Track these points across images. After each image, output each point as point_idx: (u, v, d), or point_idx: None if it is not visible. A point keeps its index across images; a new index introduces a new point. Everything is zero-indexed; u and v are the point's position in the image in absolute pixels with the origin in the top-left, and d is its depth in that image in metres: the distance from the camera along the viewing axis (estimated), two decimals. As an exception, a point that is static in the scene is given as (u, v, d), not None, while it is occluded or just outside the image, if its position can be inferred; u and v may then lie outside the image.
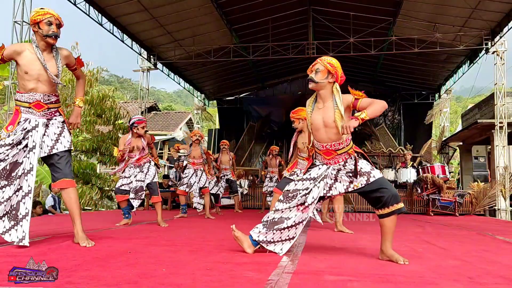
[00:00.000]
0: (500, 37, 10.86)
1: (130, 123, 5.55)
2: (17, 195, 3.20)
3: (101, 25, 10.52)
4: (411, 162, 11.36)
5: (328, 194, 3.16)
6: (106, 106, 12.36)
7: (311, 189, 3.11)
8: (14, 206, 3.19)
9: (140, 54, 12.76)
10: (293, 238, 3.15)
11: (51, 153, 3.30)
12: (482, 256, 3.34)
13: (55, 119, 3.40)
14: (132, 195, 5.52)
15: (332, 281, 2.27)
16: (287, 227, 3.11)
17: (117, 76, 49.97)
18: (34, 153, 3.25)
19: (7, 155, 3.21)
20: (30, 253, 2.83)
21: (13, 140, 3.22)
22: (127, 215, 5.59)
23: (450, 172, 12.12)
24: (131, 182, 5.56)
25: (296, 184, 3.20)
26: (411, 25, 11.35)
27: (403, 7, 10.49)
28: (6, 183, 3.22)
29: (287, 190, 3.21)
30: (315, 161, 3.23)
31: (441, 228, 6.33)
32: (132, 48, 12.14)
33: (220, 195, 8.99)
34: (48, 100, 3.34)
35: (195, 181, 7.23)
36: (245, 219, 7.20)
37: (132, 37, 11.84)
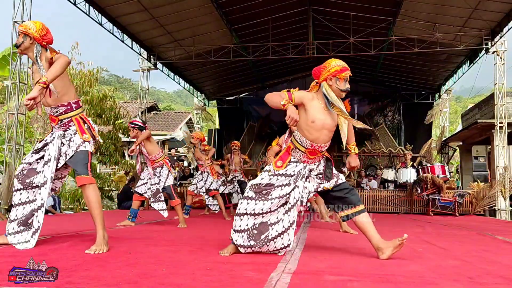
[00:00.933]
0: (500, 37, 10.86)
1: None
2: (30, 206, 3.21)
3: (101, 25, 10.52)
4: (411, 162, 11.36)
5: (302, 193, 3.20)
6: (106, 106, 12.34)
7: (291, 189, 3.08)
8: (27, 214, 3.20)
9: (140, 54, 12.75)
10: (288, 246, 3.06)
11: (66, 159, 3.28)
12: (482, 256, 3.35)
13: (70, 129, 3.33)
14: (152, 199, 5.60)
15: (332, 281, 2.27)
16: (278, 235, 3.01)
17: (117, 76, 49.94)
18: (49, 166, 3.22)
19: (30, 162, 3.28)
20: (30, 253, 2.84)
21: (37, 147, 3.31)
22: (132, 218, 5.56)
23: (450, 172, 12.12)
24: (146, 183, 5.64)
25: (270, 179, 3.12)
26: (411, 25, 11.35)
27: (403, 7, 10.49)
28: (21, 187, 3.25)
29: (258, 184, 3.11)
30: (291, 158, 3.18)
31: (441, 228, 6.33)
32: (132, 48, 12.14)
33: (233, 197, 9.01)
34: (57, 112, 3.30)
35: (200, 182, 7.34)
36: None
37: (132, 37, 11.84)
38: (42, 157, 3.29)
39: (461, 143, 14.88)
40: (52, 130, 3.39)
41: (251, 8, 11.31)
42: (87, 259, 2.73)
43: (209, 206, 8.08)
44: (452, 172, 16.42)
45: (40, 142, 3.37)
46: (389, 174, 11.65)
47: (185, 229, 5.29)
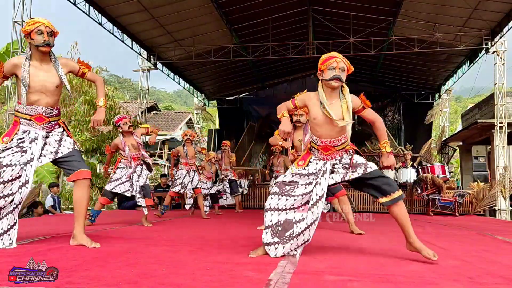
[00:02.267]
0: (500, 37, 10.86)
1: (116, 125, 5.58)
2: (6, 200, 3.16)
3: (101, 25, 10.52)
4: (411, 162, 11.36)
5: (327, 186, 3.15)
6: (106, 106, 12.34)
7: (313, 186, 3.08)
8: (4, 212, 3.19)
9: (140, 54, 12.76)
10: (308, 240, 3.09)
11: (56, 157, 3.30)
12: (482, 256, 3.34)
13: (55, 130, 3.39)
14: (138, 195, 5.51)
15: (332, 281, 2.27)
16: (302, 231, 3.02)
17: (117, 76, 49.97)
18: (31, 165, 3.23)
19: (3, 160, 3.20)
20: (30, 253, 2.84)
21: (5, 147, 3.22)
22: (93, 218, 5.42)
23: (450, 172, 12.12)
24: (124, 182, 5.50)
25: (293, 176, 3.16)
26: (411, 25, 11.35)
27: (403, 7, 10.50)
28: None
29: (282, 181, 3.16)
30: (311, 156, 3.22)
31: (441, 228, 6.33)
32: (132, 48, 12.15)
33: (224, 196, 8.98)
34: (50, 113, 3.33)
35: (188, 181, 7.18)
36: (244, 219, 7.21)
37: (132, 37, 11.84)
38: (19, 151, 3.23)
39: (461, 143, 14.88)
40: (24, 130, 3.28)
41: (251, 8, 11.32)
42: (87, 259, 2.73)
43: (191, 205, 7.98)
44: (452, 172, 16.43)
45: (11, 141, 3.25)
46: (389, 174, 11.62)
47: (185, 229, 5.29)
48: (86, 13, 9.98)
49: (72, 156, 3.34)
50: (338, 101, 3.07)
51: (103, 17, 10.46)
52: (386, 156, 3.21)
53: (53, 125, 3.37)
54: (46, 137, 3.33)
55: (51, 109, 3.32)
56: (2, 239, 3.12)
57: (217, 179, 8.78)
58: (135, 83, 41.85)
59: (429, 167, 10.38)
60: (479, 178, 12.74)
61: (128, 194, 5.52)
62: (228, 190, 8.96)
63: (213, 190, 8.36)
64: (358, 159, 3.13)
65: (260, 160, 17.31)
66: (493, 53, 11.30)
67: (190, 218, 7.30)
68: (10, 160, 3.19)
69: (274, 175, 9.14)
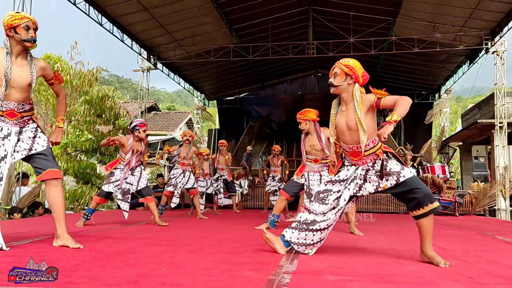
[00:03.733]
0: (500, 37, 10.85)
1: (132, 126, 5.44)
2: None
3: (101, 25, 10.52)
4: (411, 162, 11.36)
5: (358, 194, 3.13)
6: (106, 106, 12.35)
7: (342, 192, 3.12)
8: None
9: (140, 54, 12.75)
10: (322, 240, 3.16)
11: (30, 154, 3.23)
12: (482, 256, 3.35)
13: (28, 126, 3.32)
14: (120, 196, 5.40)
15: (332, 281, 2.27)
16: (319, 230, 3.11)
17: (117, 76, 50.02)
18: (5, 162, 3.15)
19: None
20: (30, 253, 2.84)
21: None
22: (87, 216, 5.33)
23: (450, 172, 12.11)
24: (119, 184, 5.44)
25: (326, 185, 3.21)
26: (411, 25, 11.35)
27: (403, 7, 10.49)
28: None
29: (318, 191, 3.22)
30: (344, 162, 3.24)
31: (441, 228, 6.33)
32: (132, 48, 12.14)
33: (217, 196, 8.98)
34: (22, 108, 3.24)
35: (181, 182, 7.15)
36: (243, 219, 7.21)
37: (132, 37, 11.84)
38: None
39: (461, 143, 14.88)
40: None
41: (251, 8, 11.32)
42: (87, 259, 2.73)
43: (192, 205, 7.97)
44: (452, 172, 16.43)
45: None
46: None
47: (185, 229, 5.29)
48: (86, 13, 9.98)
49: (45, 155, 3.26)
50: (353, 106, 3.06)
51: (103, 17, 10.46)
52: (387, 125, 2.77)
53: (26, 121, 3.30)
54: (20, 132, 3.26)
55: (23, 104, 3.24)
56: None
57: (211, 178, 8.76)
58: (135, 83, 41.90)
59: (429, 167, 10.39)
60: (479, 178, 12.74)
61: (119, 196, 5.46)
62: (221, 190, 8.95)
63: (210, 190, 8.35)
64: (391, 165, 3.00)
65: (260, 160, 17.30)
66: (493, 53, 11.29)
67: (189, 218, 7.31)
68: None
69: (271, 175, 9.17)
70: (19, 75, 3.15)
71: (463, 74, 13.76)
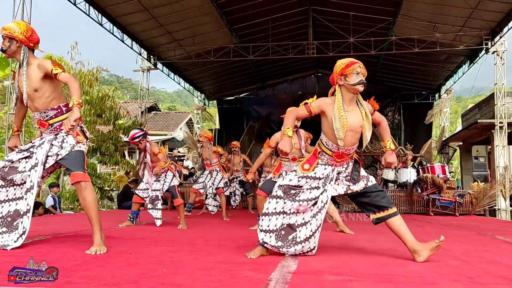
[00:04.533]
0: (500, 37, 10.86)
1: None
2: (16, 204, 3.13)
3: (101, 25, 10.52)
4: (411, 162, 11.36)
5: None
6: (106, 106, 12.34)
7: (320, 192, 3.06)
8: (12, 214, 3.12)
9: (140, 54, 12.75)
10: (314, 248, 3.07)
11: (58, 159, 3.18)
12: (482, 256, 3.35)
13: (61, 132, 3.24)
14: (149, 205, 5.49)
15: (332, 281, 2.27)
16: (306, 238, 3.00)
17: (117, 76, 50.01)
18: (36, 171, 3.13)
19: (13, 160, 3.19)
20: (30, 253, 2.84)
21: (19, 150, 3.25)
22: (132, 219, 5.49)
23: (450, 172, 12.11)
24: (147, 189, 5.53)
25: (299, 181, 3.08)
26: (411, 25, 11.35)
27: (403, 7, 10.49)
28: (2, 183, 3.16)
29: (288, 185, 3.08)
30: (319, 160, 3.15)
31: (441, 228, 6.33)
32: (132, 48, 12.14)
33: (233, 197, 8.98)
34: (46, 116, 3.20)
35: (209, 182, 7.26)
36: (244, 220, 7.20)
37: (132, 37, 11.84)
38: (26, 157, 3.20)
39: (461, 143, 14.87)
40: (42, 135, 3.30)
41: (251, 8, 11.32)
42: (87, 259, 2.73)
43: (207, 205, 8.02)
44: (452, 172, 16.42)
45: (27, 143, 3.30)
46: (389, 174, 11.63)
47: (185, 229, 5.28)
48: (86, 13, 9.98)
49: (68, 158, 3.18)
50: (357, 107, 3.05)
51: (103, 17, 10.46)
52: (390, 153, 3.17)
53: (57, 127, 3.23)
54: (54, 139, 3.22)
55: (45, 112, 3.19)
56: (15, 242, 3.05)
57: (230, 181, 8.75)
58: (135, 83, 41.89)
59: (429, 167, 10.38)
60: (479, 178, 12.74)
61: (147, 201, 5.52)
62: (237, 192, 8.97)
63: (227, 192, 8.35)
64: (361, 171, 3.17)
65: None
66: (493, 53, 11.29)
67: (189, 218, 7.29)
68: (18, 166, 3.17)
69: (263, 175, 9.12)
70: (25, 85, 3.15)
71: (463, 74, 13.77)
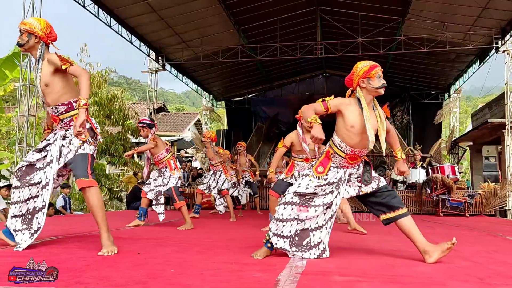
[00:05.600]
0: (511, 36, 10.75)
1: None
2: (34, 202, 3.16)
3: (110, 26, 10.60)
4: (420, 163, 11.28)
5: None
6: (114, 107, 12.43)
7: (334, 197, 3.06)
8: (31, 210, 3.16)
9: (148, 56, 12.82)
10: (325, 249, 3.06)
11: (66, 162, 3.17)
12: (493, 257, 3.31)
13: (71, 128, 3.19)
14: (154, 202, 5.50)
15: (340, 282, 2.26)
16: (322, 241, 3.03)
17: (126, 77, 50.27)
18: (51, 167, 3.14)
19: (30, 160, 3.22)
20: (41, 253, 2.87)
21: (36, 149, 3.27)
22: (140, 217, 5.49)
23: (460, 173, 12.00)
24: (150, 183, 5.55)
25: (315, 189, 3.05)
26: (420, 24, 11.28)
27: (412, 6, 10.44)
28: (20, 184, 3.19)
29: (303, 193, 3.06)
30: (332, 164, 3.11)
31: (451, 229, 6.28)
32: (140, 50, 12.21)
33: (241, 197, 8.98)
34: (57, 111, 3.19)
35: (213, 183, 7.29)
36: (252, 220, 7.20)
37: (141, 39, 11.91)
38: (44, 156, 3.22)
39: (471, 143, 14.74)
40: (55, 130, 3.32)
41: (259, 8, 11.33)
42: (96, 260, 2.75)
43: (216, 206, 8.03)
44: (462, 172, 16.28)
45: (42, 141, 3.31)
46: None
47: (193, 229, 5.29)
48: (95, 15, 10.06)
49: (74, 163, 3.15)
50: (373, 111, 3.05)
51: (112, 18, 10.54)
52: (402, 162, 3.22)
53: (66, 123, 3.21)
54: (65, 136, 3.20)
55: (56, 107, 3.18)
56: (17, 235, 3.11)
57: (238, 181, 8.73)
58: (144, 84, 42.01)
59: (438, 168, 10.31)
60: (490, 178, 12.59)
61: (149, 196, 5.52)
62: (241, 193, 8.97)
63: (235, 193, 8.34)
64: (371, 172, 3.16)
65: (269, 161, 17.30)
66: (503, 52, 11.18)
67: (197, 219, 7.32)
68: (36, 164, 3.20)
69: (276, 176, 9.08)
70: (37, 79, 3.16)
71: (473, 73, 13.67)
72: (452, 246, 2.88)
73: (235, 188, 8.31)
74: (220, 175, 7.34)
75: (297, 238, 3.04)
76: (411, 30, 11.75)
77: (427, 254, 2.92)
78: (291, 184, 5.12)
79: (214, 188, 7.33)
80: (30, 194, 3.19)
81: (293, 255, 3.00)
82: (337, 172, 3.09)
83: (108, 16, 10.43)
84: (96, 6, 9.97)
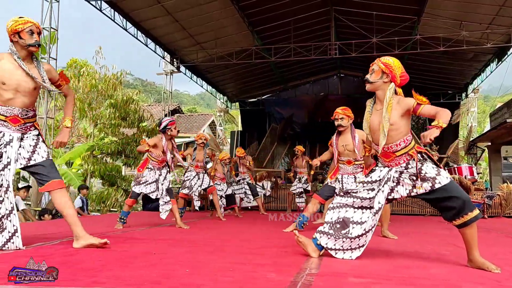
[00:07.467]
0: (530, 34, 10.55)
1: (163, 126, 5.41)
2: (3, 208, 3.08)
3: (126, 29, 10.72)
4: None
5: (389, 197, 3.02)
6: (130, 109, 12.57)
7: (375, 193, 3.00)
8: (3, 215, 3.08)
9: (163, 58, 12.93)
10: (363, 246, 3.03)
11: (29, 164, 3.18)
12: (510, 259, 3.25)
13: (30, 133, 3.26)
14: (162, 201, 5.48)
15: (355, 284, 2.25)
16: (358, 236, 2.98)
17: (141, 79, 50.84)
18: (9, 169, 3.10)
19: None
20: (58, 254, 2.91)
21: None
22: (123, 220, 5.39)
23: (478, 173, 11.81)
24: (150, 184, 5.50)
25: (357, 186, 3.12)
26: (437, 23, 11.13)
27: (428, 5, 10.30)
28: None
29: (350, 189, 3.16)
30: (377, 163, 3.13)
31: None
32: (155, 52, 12.32)
33: (240, 198, 9.01)
34: (26, 115, 3.20)
35: (196, 184, 7.20)
36: (265, 221, 7.20)
37: (156, 41, 12.02)
38: None
39: (489, 143, 14.50)
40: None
41: (272, 9, 11.33)
42: (111, 260, 2.78)
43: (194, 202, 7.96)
44: (481, 173, 16.01)
45: None
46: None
47: (205, 230, 5.31)
48: (111, 19, 10.19)
49: (45, 166, 3.20)
50: (381, 105, 3.03)
51: (127, 22, 10.66)
52: (434, 129, 2.75)
53: (28, 127, 3.24)
54: (21, 139, 3.20)
55: (27, 110, 3.19)
56: (7, 247, 3.05)
57: (232, 180, 8.72)
58: (159, 86, 42.39)
59: (456, 168, 10.17)
60: (509, 179, 12.36)
61: (153, 196, 5.53)
62: (248, 193, 8.99)
63: (229, 191, 8.32)
64: (427, 170, 2.87)
65: (283, 162, 17.27)
66: (522, 50, 10.99)
67: (211, 219, 7.35)
68: None
69: (298, 177, 9.08)
70: (25, 80, 3.12)
71: (491, 72, 13.43)
72: (492, 271, 2.62)
73: (227, 187, 8.28)
74: (204, 176, 7.27)
75: (337, 226, 3.04)
76: (427, 30, 11.60)
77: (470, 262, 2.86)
78: (335, 189, 5.15)
79: (196, 190, 7.18)
80: None
81: (328, 237, 3.02)
82: (381, 171, 3.05)
83: (124, 20, 10.56)
84: (112, 10, 10.10)
